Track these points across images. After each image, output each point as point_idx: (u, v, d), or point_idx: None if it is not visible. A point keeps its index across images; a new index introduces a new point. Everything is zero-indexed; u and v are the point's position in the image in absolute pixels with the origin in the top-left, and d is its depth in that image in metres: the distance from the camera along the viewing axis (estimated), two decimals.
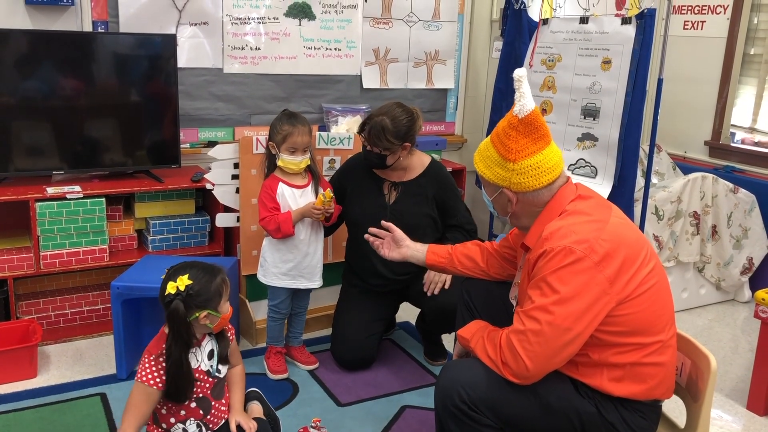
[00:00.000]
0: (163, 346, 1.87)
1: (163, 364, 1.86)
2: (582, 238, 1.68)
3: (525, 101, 1.75)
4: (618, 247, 1.68)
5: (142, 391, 1.87)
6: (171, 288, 1.84)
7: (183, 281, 1.83)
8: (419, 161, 2.87)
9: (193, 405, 1.93)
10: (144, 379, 1.86)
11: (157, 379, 1.86)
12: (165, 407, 1.93)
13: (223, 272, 1.94)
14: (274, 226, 2.62)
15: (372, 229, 2.42)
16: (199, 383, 1.92)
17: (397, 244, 2.38)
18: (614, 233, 1.71)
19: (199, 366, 1.93)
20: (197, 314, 1.86)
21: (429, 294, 2.71)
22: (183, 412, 1.93)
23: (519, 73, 1.78)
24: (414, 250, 2.34)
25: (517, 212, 1.87)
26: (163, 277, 1.90)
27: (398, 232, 2.37)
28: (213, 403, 1.97)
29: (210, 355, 1.96)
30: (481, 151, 1.88)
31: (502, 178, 1.81)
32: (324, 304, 3.28)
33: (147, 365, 1.87)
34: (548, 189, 1.81)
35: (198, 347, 1.94)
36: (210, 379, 1.95)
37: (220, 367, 1.98)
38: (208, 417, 1.96)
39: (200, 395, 1.94)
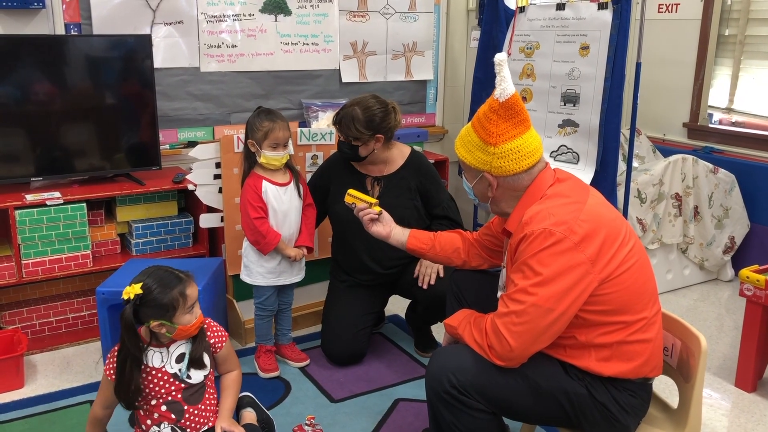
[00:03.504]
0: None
1: None
2: (561, 219, 1.70)
3: (506, 85, 1.78)
4: (597, 228, 1.71)
5: (104, 379, 1.97)
6: (124, 293, 1.84)
7: (134, 289, 1.83)
8: (399, 153, 2.87)
9: (164, 408, 1.92)
10: (105, 369, 1.94)
11: (112, 372, 1.91)
12: (142, 409, 1.93)
13: (185, 284, 1.89)
14: (256, 238, 2.62)
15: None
16: (164, 386, 1.91)
17: (384, 222, 2.38)
18: (593, 213, 1.74)
19: (164, 367, 1.92)
20: (150, 322, 1.86)
21: (425, 287, 2.72)
22: (156, 415, 1.93)
23: (500, 58, 1.80)
24: (398, 232, 2.36)
25: (497, 197, 1.89)
26: None
27: (384, 215, 2.37)
28: (186, 407, 1.94)
29: (179, 359, 1.94)
30: (462, 136, 1.90)
31: (483, 162, 1.83)
32: (312, 301, 3.27)
33: (109, 356, 1.94)
34: (528, 173, 1.83)
35: (165, 348, 1.93)
36: (177, 383, 1.93)
37: (192, 372, 1.95)
38: (183, 422, 1.94)
39: (169, 399, 1.92)
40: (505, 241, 1.92)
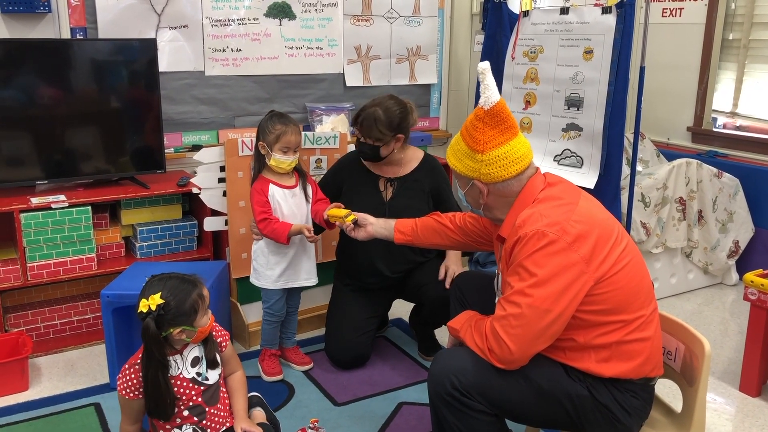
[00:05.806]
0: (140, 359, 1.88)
1: (139, 375, 1.87)
2: (553, 220, 1.72)
3: (490, 93, 1.81)
4: (590, 228, 1.73)
5: (122, 400, 1.92)
6: (143, 306, 1.82)
7: (154, 300, 1.81)
8: (414, 156, 2.89)
9: (186, 413, 1.92)
10: (120, 389, 1.90)
11: (135, 391, 1.88)
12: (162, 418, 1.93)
13: (200, 286, 1.90)
14: (270, 232, 2.61)
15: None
16: (184, 392, 1.91)
17: (361, 224, 2.45)
18: (585, 214, 1.76)
19: (181, 374, 1.91)
20: (171, 330, 1.85)
21: (448, 287, 2.68)
22: (178, 420, 1.93)
23: (482, 66, 1.84)
24: (379, 227, 2.43)
25: (489, 204, 1.92)
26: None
27: (361, 217, 2.45)
28: (207, 408, 1.95)
29: (194, 362, 1.94)
30: (452, 145, 1.94)
31: (472, 169, 1.85)
32: (316, 304, 3.28)
33: (122, 376, 1.91)
34: (518, 179, 1.85)
35: (179, 355, 1.92)
36: (196, 387, 1.93)
37: (209, 373, 1.96)
38: (204, 422, 1.95)
39: (190, 404, 1.92)
40: (499, 247, 1.93)
